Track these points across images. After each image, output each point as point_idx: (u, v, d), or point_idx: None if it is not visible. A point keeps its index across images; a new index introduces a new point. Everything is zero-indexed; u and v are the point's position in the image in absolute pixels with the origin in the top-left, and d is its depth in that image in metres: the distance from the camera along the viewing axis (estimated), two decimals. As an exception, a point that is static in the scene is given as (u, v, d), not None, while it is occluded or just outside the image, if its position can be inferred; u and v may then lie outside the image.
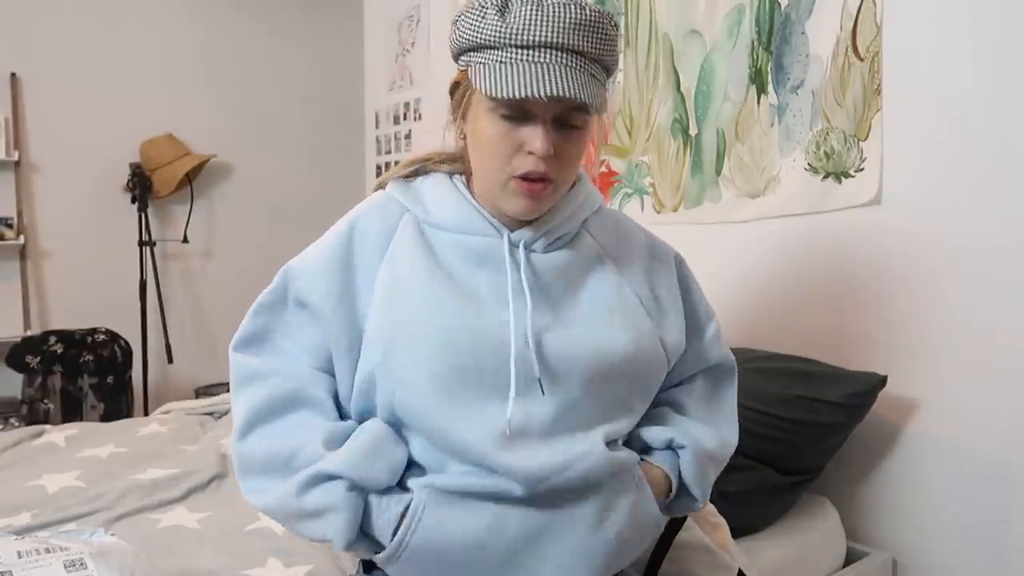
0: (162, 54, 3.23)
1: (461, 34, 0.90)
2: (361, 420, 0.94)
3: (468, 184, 0.99)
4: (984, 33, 1.50)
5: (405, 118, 3.41)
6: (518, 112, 0.87)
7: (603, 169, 2.35)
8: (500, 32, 0.85)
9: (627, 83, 2.27)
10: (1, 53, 2.90)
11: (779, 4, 1.85)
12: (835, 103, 1.74)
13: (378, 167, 3.63)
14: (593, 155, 2.37)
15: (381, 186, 1.04)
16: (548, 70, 0.83)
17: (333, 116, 3.67)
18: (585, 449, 0.88)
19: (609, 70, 0.92)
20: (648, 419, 1.02)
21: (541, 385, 0.88)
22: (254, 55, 3.44)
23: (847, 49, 1.71)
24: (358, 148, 3.75)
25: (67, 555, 1.15)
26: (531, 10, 0.84)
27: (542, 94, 0.82)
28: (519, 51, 0.85)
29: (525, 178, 0.89)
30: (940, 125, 1.57)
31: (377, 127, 3.63)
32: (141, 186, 3.06)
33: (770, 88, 1.88)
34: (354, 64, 3.71)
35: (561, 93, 0.82)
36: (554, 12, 0.84)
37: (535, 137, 0.86)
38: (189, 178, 3.22)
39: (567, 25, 0.84)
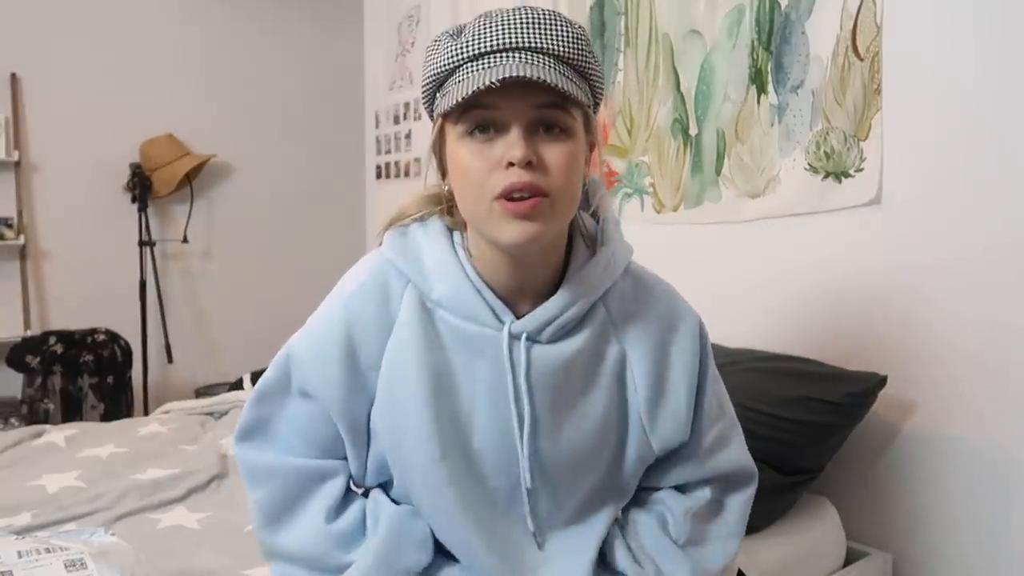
0: (162, 54, 3.23)
1: (424, 77, 0.84)
2: (380, 485, 0.95)
3: (466, 246, 0.89)
4: (984, 33, 1.50)
5: (405, 118, 3.41)
6: (489, 126, 0.79)
7: (603, 169, 2.35)
8: (453, 53, 0.79)
9: (627, 83, 2.27)
10: (1, 53, 2.90)
11: (779, 4, 1.85)
12: (835, 103, 1.74)
13: (378, 167, 3.64)
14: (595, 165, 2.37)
15: (386, 229, 0.95)
16: (506, 66, 0.76)
17: (333, 116, 3.67)
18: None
19: (584, 76, 0.82)
20: (629, 523, 0.97)
21: (530, 494, 0.88)
22: (254, 55, 3.44)
23: (847, 49, 1.71)
24: (358, 148, 3.75)
25: (67, 555, 1.15)
26: (482, 22, 0.79)
27: (496, 79, 0.73)
28: (473, 64, 0.78)
29: (509, 198, 0.77)
30: (940, 125, 1.57)
31: (377, 127, 3.63)
32: (141, 186, 3.06)
33: (770, 88, 1.88)
34: (354, 64, 3.71)
35: (519, 73, 0.74)
36: (505, 17, 0.78)
37: (511, 145, 0.77)
38: (189, 178, 3.22)
39: (519, 25, 0.77)
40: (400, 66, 3.43)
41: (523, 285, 0.88)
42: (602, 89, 0.86)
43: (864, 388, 1.57)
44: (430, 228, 0.91)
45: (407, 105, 3.39)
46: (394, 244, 0.90)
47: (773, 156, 1.89)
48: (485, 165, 0.78)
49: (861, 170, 1.70)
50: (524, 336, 0.86)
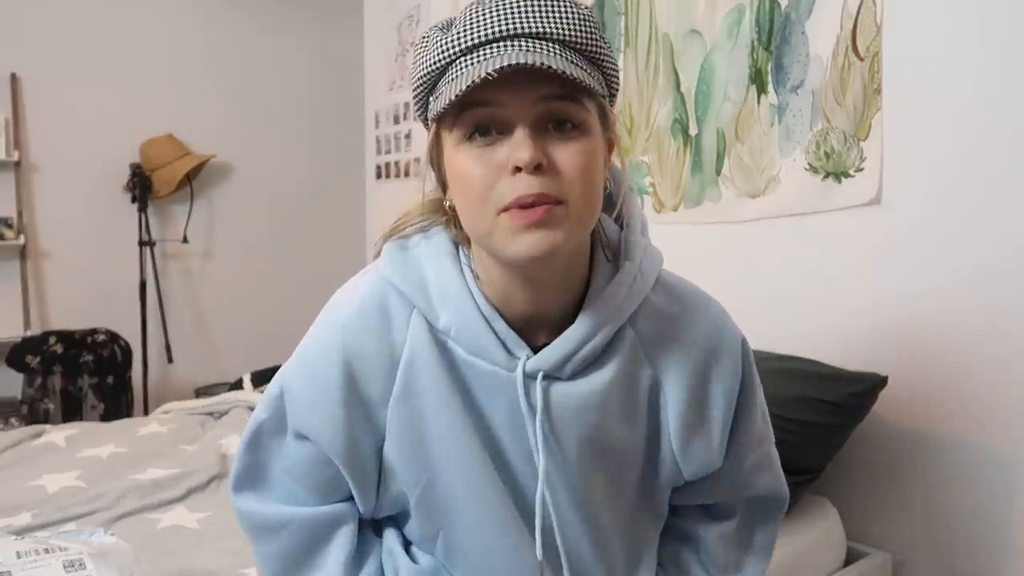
0: (162, 54, 3.22)
1: (414, 79, 0.72)
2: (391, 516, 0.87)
3: (471, 264, 0.77)
4: (984, 33, 1.50)
5: (405, 118, 3.41)
6: (490, 128, 0.67)
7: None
8: (443, 46, 0.68)
9: (627, 83, 2.27)
10: (1, 53, 2.90)
11: (779, 4, 1.85)
12: (835, 103, 1.74)
13: (378, 167, 3.63)
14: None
15: (386, 237, 0.83)
16: (501, 56, 0.65)
17: (333, 116, 3.67)
18: None
19: (595, 63, 0.70)
20: (662, 553, 0.91)
21: (552, 532, 0.79)
22: (254, 55, 3.44)
23: (847, 49, 1.71)
24: (358, 148, 3.74)
25: (66, 555, 1.15)
26: (473, 9, 0.68)
27: (492, 69, 0.62)
28: (466, 58, 0.67)
29: (518, 208, 0.66)
30: (940, 125, 1.57)
31: (377, 127, 3.63)
32: (141, 186, 3.06)
33: (770, 88, 1.88)
34: (354, 64, 3.71)
35: (516, 61, 0.62)
36: (499, 1, 0.67)
37: (516, 146, 0.65)
38: (189, 178, 3.22)
39: (517, 9, 0.66)
40: (400, 66, 3.43)
41: (539, 311, 0.75)
42: (617, 78, 0.74)
43: (864, 388, 1.57)
44: (433, 242, 0.78)
45: (407, 105, 3.39)
46: (394, 261, 0.77)
47: (773, 156, 1.89)
48: (488, 172, 0.67)
49: (861, 170, 1.70)
50: (540, 377, 0.74)
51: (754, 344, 1.90)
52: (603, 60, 0.70)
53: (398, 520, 0.87)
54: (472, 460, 0.76)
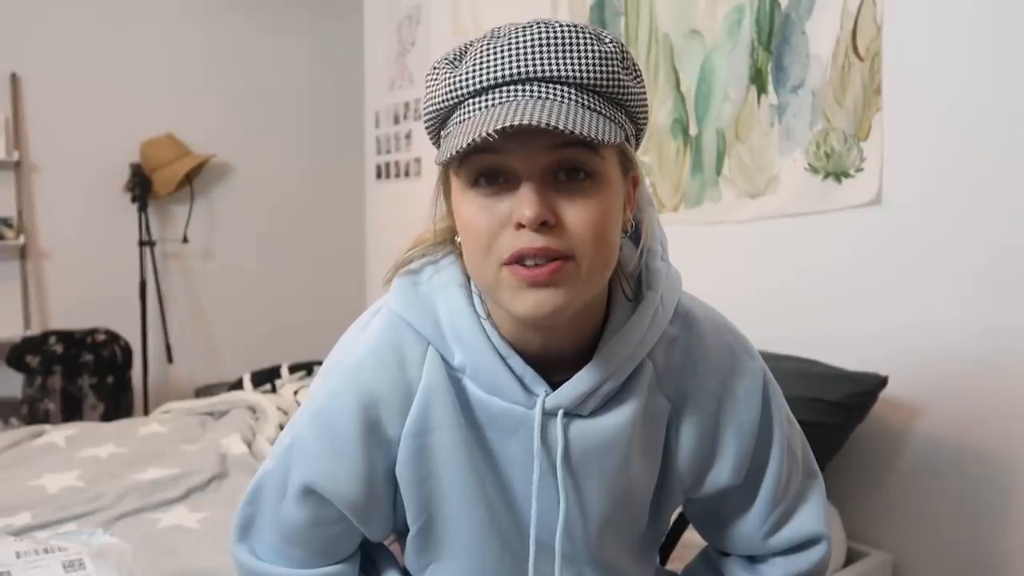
0: (162, 54, 3.23)
1: (425, 112, 0.69)
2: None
3: (482, 298, 0.73)
4: (984, 33, 1.50)
5: (405, 118, 3.41)
6: (497, 175, 0.63)
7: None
8: (452, 85, 0.64)
9: (627, 83, 2.27)
10: (1, 53, 2.90)
11: (779, 4, 1.85)
12: (835, 103, 1.74)
13: (378, 167, 3.63)
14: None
15: (397, 268, 0.78)
16: (510, 104, 0.61)
17: (333, 116, 3.67)
18: None
19: (621, 104, 0.65)
20: None
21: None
22: (254, 55, 3.44)
23: (847, 49, 1.71)
24: (358, 148, 3.74)
25: (65, 555, 1.15)
26: (484, 46, 0.63)
27: (491, 129, 0.58)
28: (475, 100, 0.63)
29: (520, 263, 0.62)
30: (940, 125, 1.57)
31: (377, 127, 3.63)
32: (141, 186, 3.06)
33: (770, 88, 1.88)
34: (354, 64, 3.71)
35: (521, 120, 0.58)
36: (511, 39, 0.62)
37: (521, 201, 0.61)
38: (189, 178, 3.22)
39: (529, 49, 0.61)
40: (400, 66, 3.43)
41: (555, 347, 0.72)
42: (645, 112, 0.69)
43: (864, 388, 1.57)
44: (444, 275, 0.74)
45: (407, 105, 3.39)
46: (406, 299, 0.74)
47: (773, 156, 1.89)
48: (492, 223, 0.63)
49: (861, 170, 1.70)
50: (561, 412, 0.71)
51: (754, 344, 1.90)
52: (626, 99, 0.65)
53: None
54: (477, 501, 0.74)
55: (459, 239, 0.70)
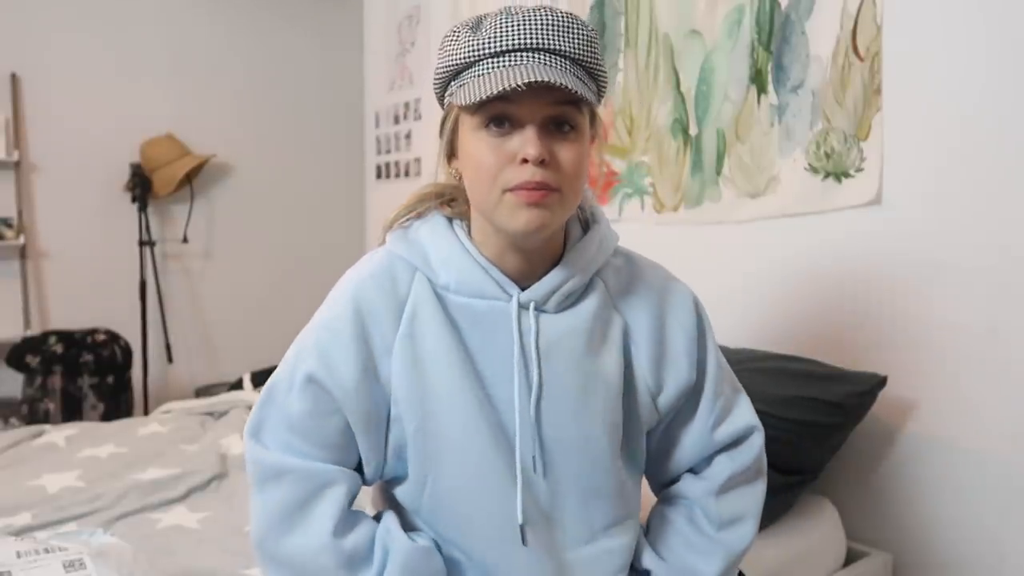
0: (162, 54, 3.23)
1: (440, 65, 0.87)
2: (397, 478, 0.94)
3: (469, 231, 0.93)
4: (984, 33, 1.50)
5: (405, 118, 3.41)
6: (504, 120, 0.82)
7: (603, 169, 2.35)
8: (473, 47, 0.82)
9: (627, 83, 2.27)
10: (1, 53, 2.90)
11: (779, 4, 1.85)
12: (835, 103, 1.74)
13: (378, 167, 3.64)
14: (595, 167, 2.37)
15: (387, 228, 0.97)
16: (527, 67, 0.79)
17: (333, 116, 3.67)
18: None
19: (595, 77, 0.86)
20: (653, 524, 1.03)
21: (535, 463, 0.89)
22: (254, 55, 3.44)
23: (847, 49, 1.71)
24: (358, 148, 3.75)
25: (66, 555, 1.15)
26: (502, 20, 0.82)
27: (521, 81, 0.76)
28: (495, 59, 0.81)
29: (521, 189, 0.82)
30: (940, 125, 1.57)
31: (377, 127, 3.63)
32: (141, 186, 3.06)
33: (770, 88, 1.88)
34: (354, 64, 3.71)
35: (542, 78, 0.77)
36: (525, 16, 0.82)
37: (526, 143, 0.80)
38: (189, 178, 3.22)
39: (539, 27, 0.81)
40: (400, 66, 3.43)
41: (526, 267, 0.91)
42: (606, 84, 0.89)
43: (864, 388, 1.57)
44: (431, 222, 0.93)
45: (407, 105, 3.39)
46: (398, 241, 0.93)
47: (773, 156, 1.89)
48: (499, 159, 0.82)
49: (861, 170, 1.70)
50: (532, 306, 0.89)
51: (754, 344, 1.91)
52: (598, 74, 0.86)
53: (390, 486, 0.96)
54: (464, 396, 0.87)
55: (453, 170, 0.91)
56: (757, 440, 1.01)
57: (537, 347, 0.89)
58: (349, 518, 0.90)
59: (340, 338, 0.88)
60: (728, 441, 1.00)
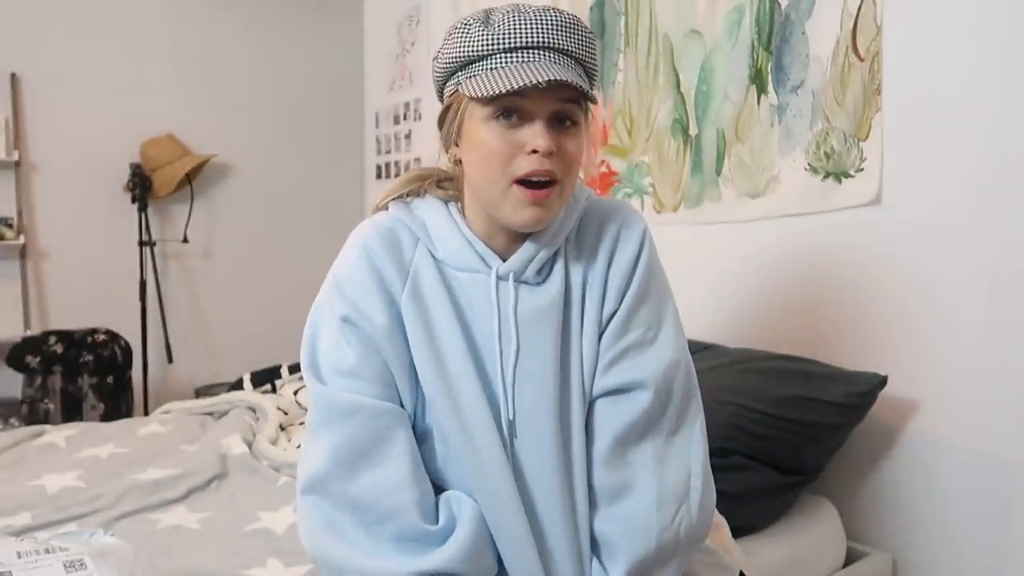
0: (162, 54, 3.23)
1: (448, 55, 0.90)
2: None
3: (462, 212, 0.99)
4: (984, 33, 1.50)
5: (405, 118, 3.41)
6: (515, 113, 0.87)
7: (603, 169, 2.35)
8: (486, 40, 0.86)
9: (627, 83, 2.27)
10: (1, 53, 2.90)
11: (779, 4, 1.85)
12: (835, 103, 1.74)
13: (378, 167, 3.64)
14: (593, 155, 2.37)
15: (380, 207, 1.03)
16: (539, 64, 0.85)
17: (333, 116, 3.67)
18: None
19: (591, 75, 0.92)
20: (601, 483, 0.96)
21: (511, 427, 0.92)
22: (254, 55, 3.44)
23: (847, 49, 1.71)
24: (358, 148, 3.75)
25: (67, 555, 1.15)
26: (513, 17, 0.87)
27: (538, 79, 0.82)
28: (507, 55, 0.86)
29: (528, 183, 0.88)
30: (940, 125, 1.57)
31: (377, 127, 3.63)
32: (141, 186, 3.06)
33: (770, 88, 1.88)
34: (354, 64, 3.72)
35: (558, 76, 0.83)
36: (535, 16, 0.86)
37: (536, 135, 0.86)
38: (189, 178, 3.22)
39: (549, 27, 0.86)
40: (400, 66, 3.43)
41: (516, 244, 0.97)
42: (597, 83, 0.98)
43: (864, 388, 1.57)
44: (427, 200, 1.00)
45: (407, 105, 3.39)
46: (401, 210, 0.99)
47: (773, 156, 1.89)
48: (509, 150, 0.87)
49: (861, 170, 1.70)
50: (512, 277, 0.95)
51: (754, 344, 1.91)
52: (594, 74, 0.93)
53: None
54: (466, 362, 0.92)
55: (452, 157, 0.96)
56: (644, 397, 0.93)
57: (516, 316, 0.93)
58: (421, 467, 0.92)
59: (362, 286, 0.94)
60: (611, 388, 0.95)
